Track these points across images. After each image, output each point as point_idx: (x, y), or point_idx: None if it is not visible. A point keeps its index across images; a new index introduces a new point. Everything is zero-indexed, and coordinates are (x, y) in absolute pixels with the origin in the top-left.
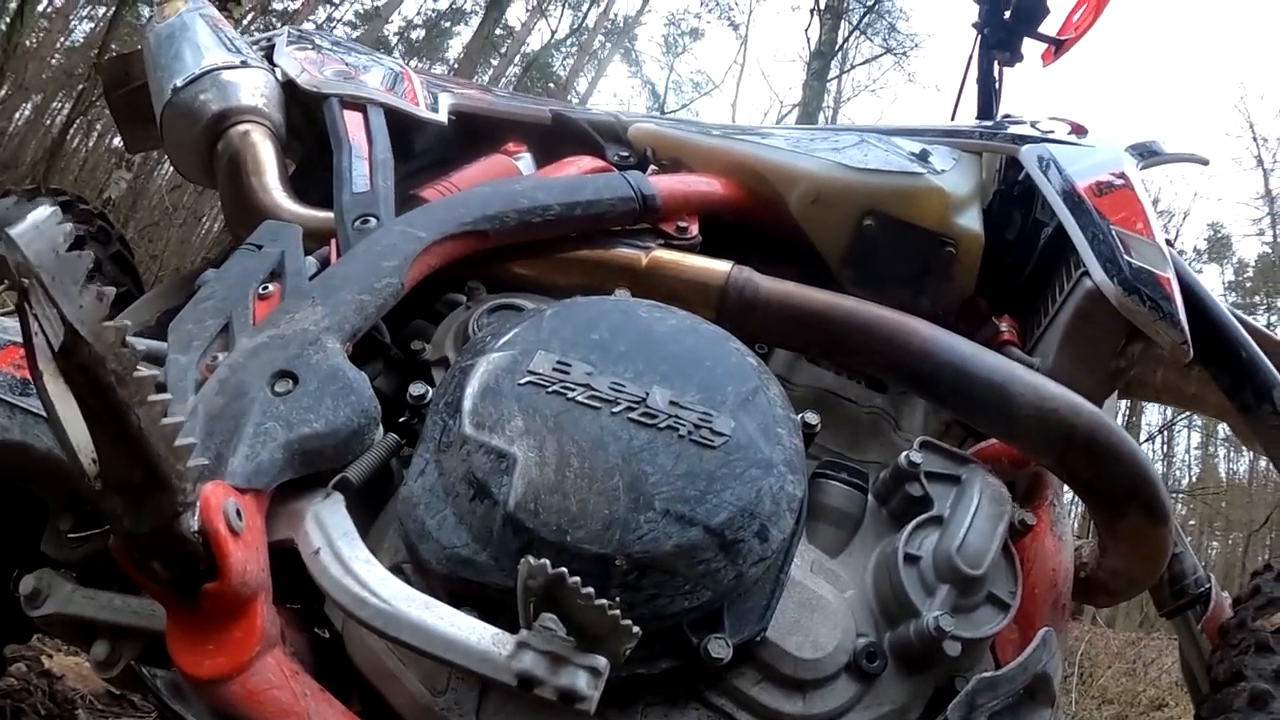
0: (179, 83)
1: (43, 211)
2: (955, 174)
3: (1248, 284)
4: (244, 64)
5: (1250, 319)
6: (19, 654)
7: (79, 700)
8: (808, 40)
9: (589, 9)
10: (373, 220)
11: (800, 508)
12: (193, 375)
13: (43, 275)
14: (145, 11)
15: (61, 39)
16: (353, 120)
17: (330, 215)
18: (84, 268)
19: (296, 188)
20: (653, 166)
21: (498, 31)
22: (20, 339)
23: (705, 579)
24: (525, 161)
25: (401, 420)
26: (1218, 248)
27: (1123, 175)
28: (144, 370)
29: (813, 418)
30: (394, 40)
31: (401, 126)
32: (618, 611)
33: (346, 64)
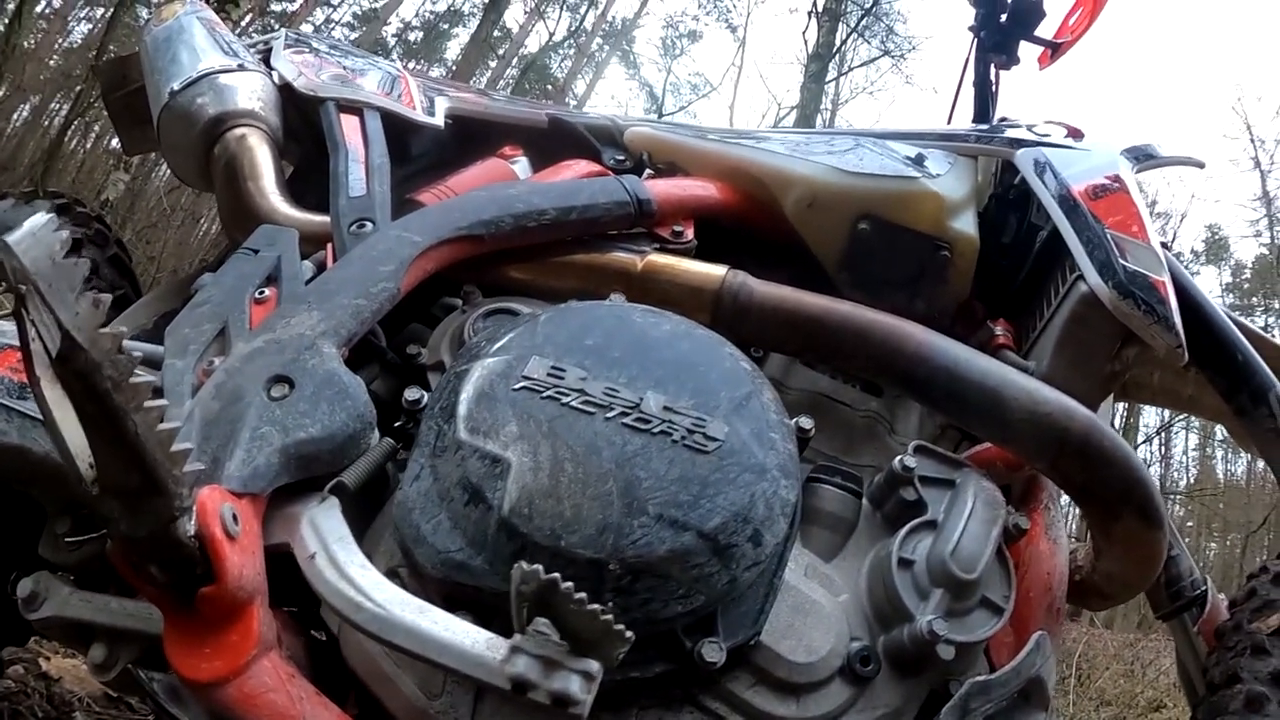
0: (176, 86)
1: (39, 218)
2: (950, 178)
3: (1245, 285)
4: (241, 67)
5: (1247, 321)
6: (17, 656)
7: (77, 703)
8: (805, 43)
9: (587, 11)
10: (369, 225)
11: (794, 512)
12: (189, 380)
13: (39, 282)
14: (144, 13)
15: (59, 40)
16: (349, 124)
17: (326, 219)
18: (80, 275)
19: (294, 190)
20: (649, 170)
21: (495, 34)
22: (18, 343)
23: (699, 584)
24: (522, 165)
25: (397, 425)
26: (1215, 249)
27: (1118, 179)
28: (140, 375)
29: (807, 422)
30: (392, 42)
31: (398, 130)
32: (610, 616)
33: (343, 67)
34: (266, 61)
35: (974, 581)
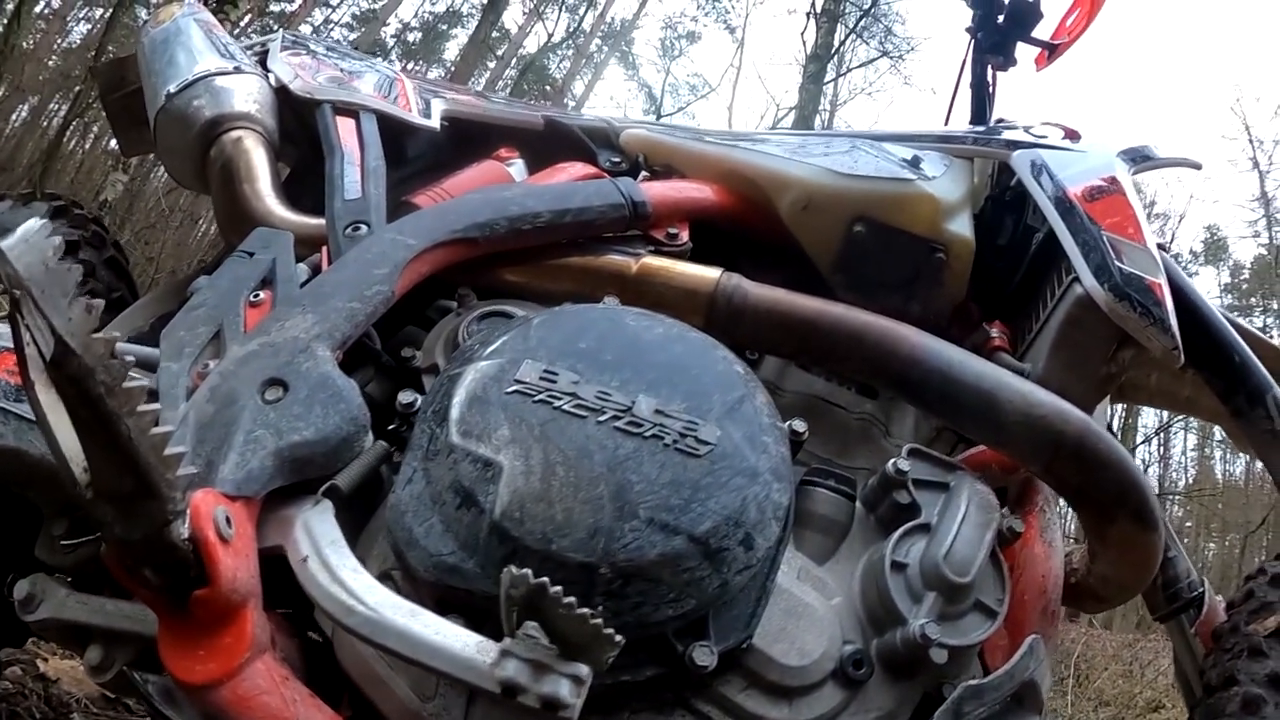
0: (172, 88)
1: (33, 224)
2: (946, 180)
3: (1244, 286)
4: (237, 70)
5: (1246, 321)
6: (14, 657)
7: (74, 704)
8: (804, 44)
9: (585, 12)
10: (364, 227)
11: (786, 516)
12: (184, 383)
13: (33, 288)
14: (142, 13)
15: (58, 40)
16: (345, 126)
17: (322, 222)
18: (73, 280)
19: (290, 192)
20: (644, 172)
21: (494, 35)
22: (13, 345)
23: (690, 587)
24: (517, 167)
25: (391, 428)
26: (1214, 250)
27: (1114, 180)
28: (134, 380)
29: (800, 425)
30: (391, 43)
31: (394, 132)
32: (600, 620)
33: (340, 70)
34: (264, 63)
35: (967, 585)
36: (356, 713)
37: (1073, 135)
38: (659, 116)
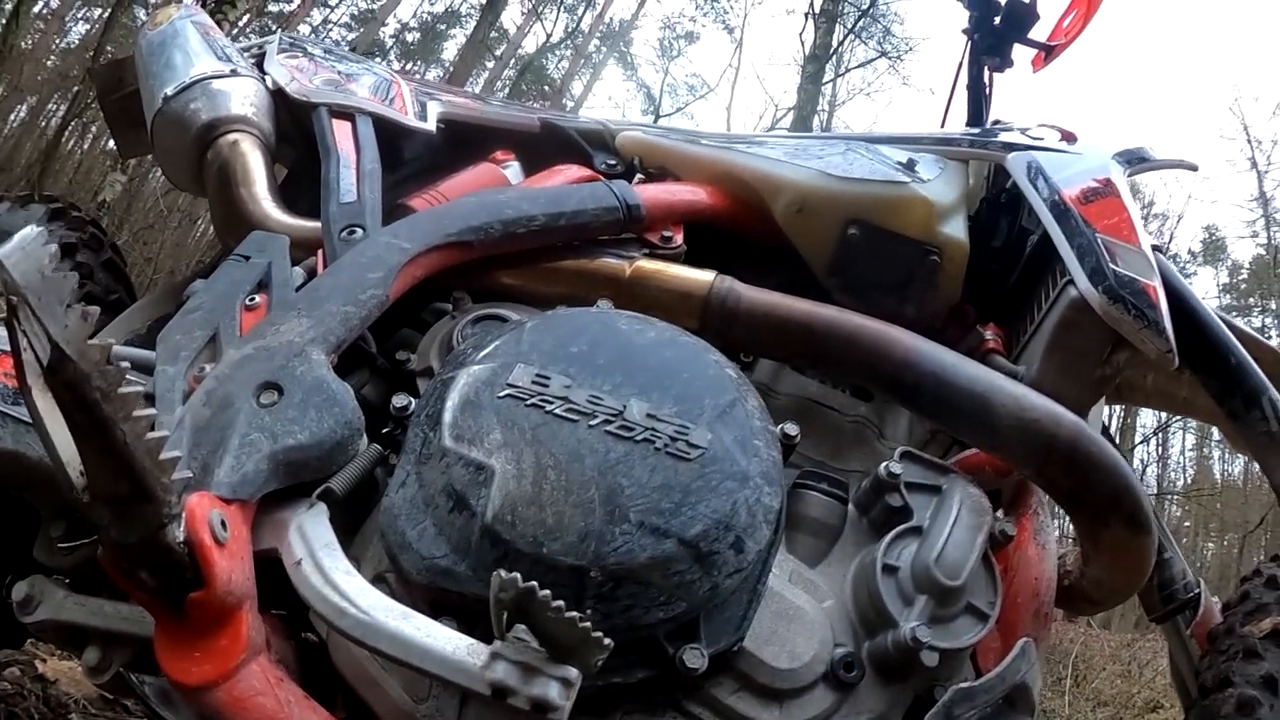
0: (169, 91)
1: (29, 231)
2: (940, 182)
3: (1242, 286)
4: (234, 72)
5: (1244, 321)
6: (13, 658)
7: (72, 705)
8: (802, 44)
9: (584, 12)
10: (359, 231)
11: (777, 519)
12: (180, 386)
13: (29, 296)
14: (141, 13)
15: (57, 41)
16: (341, 129)
17: (318, 225)
18: (69, 287)
19: (287, 195)
20: (639, 175)
21: (492, 35)
22: (10, 350)
23: (680, 590)
24: (513, 170)
25: (386, 431)
26: (1212, 250)
27: (1109, 182)
28: (130, 385)
29: (792, 429)
30: (389, 43)
31: (390, 135)
32: (589, 624)
33: (337, 72)
34: (261, 66)
35: (958, 588)
36: (351, 714)
37: (1069, 137)
38: (657, 117)
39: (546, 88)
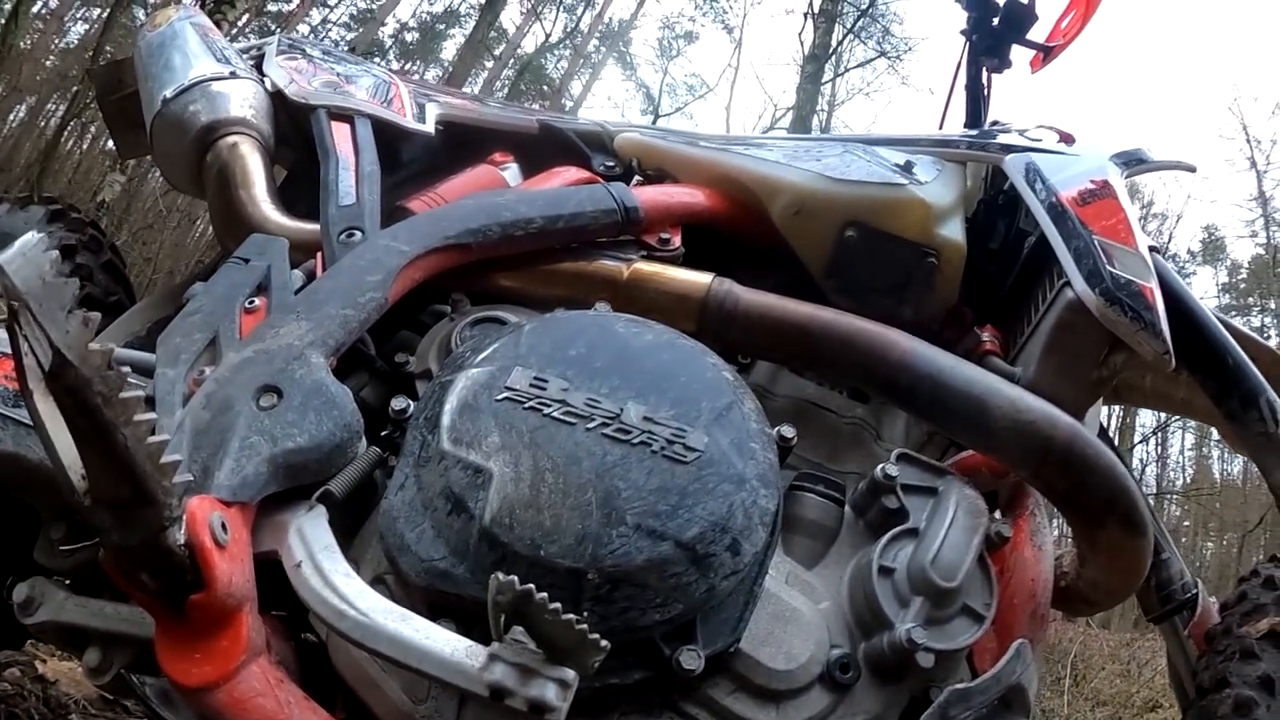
0: (169, 93)
1: (30, 237)
2: (938, 184)
3: (1241, 285)
4: (233, 75)
5: (1243, 321)
6: (13, 659)
7: (73, 705)
8: (801, 44)
9: (583, 12)
10: (358, 234)
11: (773, 521)
12: (180, 389)
13: (30, 301)
14: (140, 14)
15: (56, 41)
16: (340, 132)
17: (317, 228)
18: (70, 293)
19: (286, 197)
20: (638, 177)
21: (491, 35)
22: (12, 353)
23: (676, 592)
24: (512, 172)
25: (385, 433)
26: (1211, 250)
27: (1106, 184)
28: (131, 389)
29: (789, 431)
30: (388, 43)
31: (389, 137)
32: (585, 626)
33: (336, 74)
34: (259, 67)
35: (954, 590)
36: (350, 715)
37: (1067, 138)
38: (657, 117)
39: (545, 88)
